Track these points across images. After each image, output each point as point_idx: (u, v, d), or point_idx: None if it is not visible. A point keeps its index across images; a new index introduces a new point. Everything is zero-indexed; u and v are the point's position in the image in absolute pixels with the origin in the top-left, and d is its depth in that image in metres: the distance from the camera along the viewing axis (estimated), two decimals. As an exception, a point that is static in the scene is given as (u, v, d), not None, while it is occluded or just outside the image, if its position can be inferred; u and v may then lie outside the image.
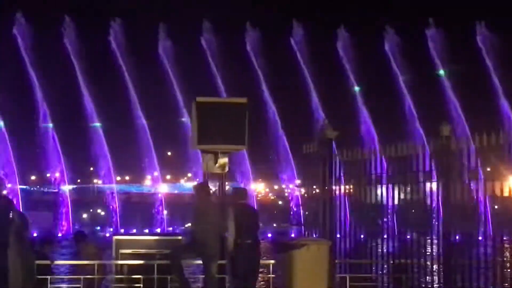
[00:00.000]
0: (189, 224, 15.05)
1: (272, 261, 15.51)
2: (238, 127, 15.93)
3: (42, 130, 59.14)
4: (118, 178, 69.59)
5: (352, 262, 16.44)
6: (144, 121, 59.82)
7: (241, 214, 14.13)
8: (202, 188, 15.00)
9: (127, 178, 77.94)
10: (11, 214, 12.56)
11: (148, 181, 70.56)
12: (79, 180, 70.79)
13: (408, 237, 15.91)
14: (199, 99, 16.31)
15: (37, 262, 14.69)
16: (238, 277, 14.01)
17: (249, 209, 14.75)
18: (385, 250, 16.24)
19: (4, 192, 59.15)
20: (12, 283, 12.44)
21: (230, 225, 13.98)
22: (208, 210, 14.44)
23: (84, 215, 65.89)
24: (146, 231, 48.03)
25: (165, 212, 60.85)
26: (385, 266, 16.38)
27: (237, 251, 13.92)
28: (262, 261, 14.75)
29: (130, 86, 59.36)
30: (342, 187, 16.82)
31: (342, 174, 16.67)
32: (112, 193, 61.31)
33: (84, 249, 17.29)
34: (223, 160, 16.21)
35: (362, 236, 17.10)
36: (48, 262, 15.46)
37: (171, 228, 56.91)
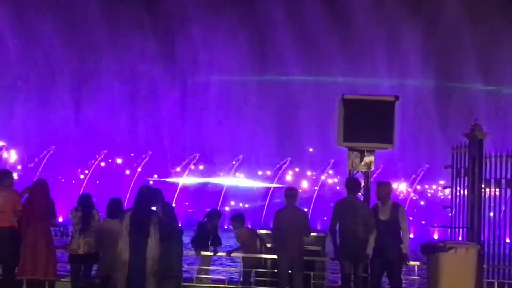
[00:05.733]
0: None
1: (418, 263, 15.21)
2: (386, 126, 15.67)
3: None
4: (260, 173, 70.52)
5: (501, 267, 15.91)
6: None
7: None
8: (354, 183, 14.62)
9: (268, 173, 78.70)
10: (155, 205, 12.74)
11: (289, 177, 71.01)
12: (221, 173, 72.07)
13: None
14: (346, 96, 16.11)
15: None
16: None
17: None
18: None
19: (151, 182, 61.03)
20: (150, 273, 12.66)
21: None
22: (355, 207, 14.18)
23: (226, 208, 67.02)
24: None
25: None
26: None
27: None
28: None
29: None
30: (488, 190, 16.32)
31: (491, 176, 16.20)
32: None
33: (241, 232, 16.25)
34: (369, 158, 15.99)
35: (508, 240, 16.55)
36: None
37: None
